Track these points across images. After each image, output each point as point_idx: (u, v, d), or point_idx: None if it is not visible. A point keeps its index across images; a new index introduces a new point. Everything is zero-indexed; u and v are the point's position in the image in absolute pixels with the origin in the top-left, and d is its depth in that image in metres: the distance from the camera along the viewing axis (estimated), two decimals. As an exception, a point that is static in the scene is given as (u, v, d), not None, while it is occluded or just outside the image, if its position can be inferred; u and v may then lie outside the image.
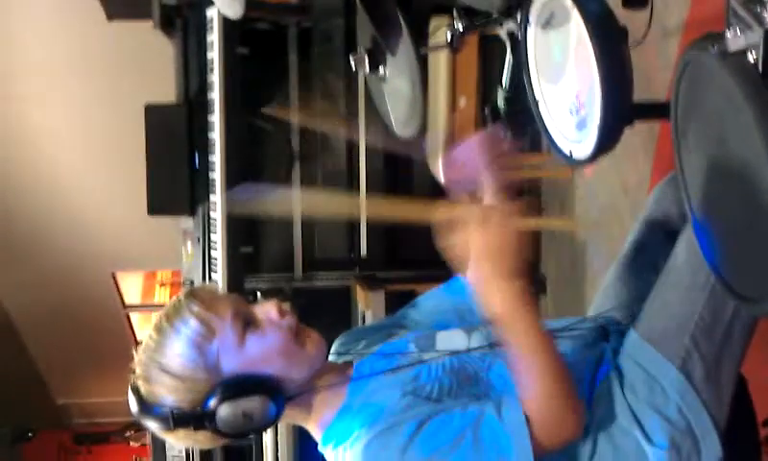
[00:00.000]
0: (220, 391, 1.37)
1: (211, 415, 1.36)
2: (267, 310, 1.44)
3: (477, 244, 1.37)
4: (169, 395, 1.37)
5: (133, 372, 1.42)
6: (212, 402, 1.36)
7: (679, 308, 1.49)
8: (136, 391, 1.41)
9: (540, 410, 1.31)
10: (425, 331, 1.61)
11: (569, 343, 1.55)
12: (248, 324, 1.41)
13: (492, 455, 1.30)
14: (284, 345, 1.41)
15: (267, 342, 1.41)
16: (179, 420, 1.37)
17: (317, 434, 1.46)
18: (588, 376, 1.51)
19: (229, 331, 1.39)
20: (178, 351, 1.37)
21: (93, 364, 7.31)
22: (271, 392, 1.39)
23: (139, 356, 1.42)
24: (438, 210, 1.40)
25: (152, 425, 1.41)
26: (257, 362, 1.39)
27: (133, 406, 1.41)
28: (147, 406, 1.39)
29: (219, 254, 4.17)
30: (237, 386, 1.37)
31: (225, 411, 1.36)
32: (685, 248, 1.52)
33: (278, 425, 3.67)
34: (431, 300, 1.77)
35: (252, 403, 1.37)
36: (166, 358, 1.38)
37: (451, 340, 1.55)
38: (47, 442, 8.19)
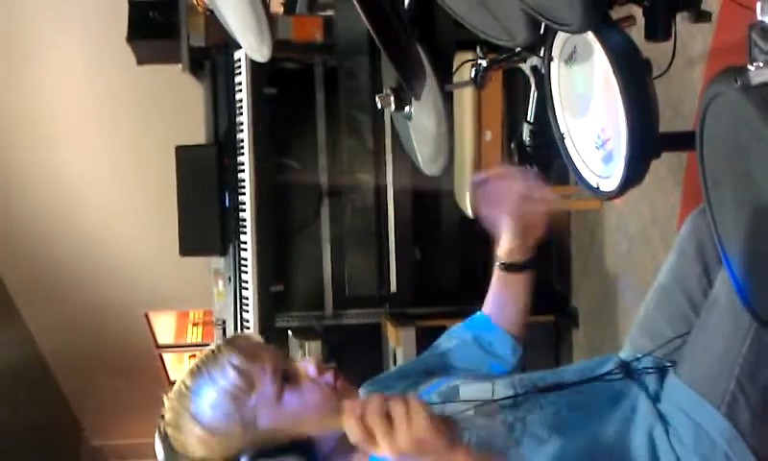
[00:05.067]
0: (254, 449, 1.32)
1: None
2: (306, 366, 1.41)
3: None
4: (199, 446, 1.33)
5: (162, 417, 1.38)
6: (244, 460, 1.32)
7: (722, 351, 1.44)
8: (165, 438, 1.36)
9: None
10: (450, 380, 1.58)
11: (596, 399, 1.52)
12: (286, 379, 1.37)
13: None
14: (321, 400, 1.37)
15: (304, 399, 1.37)
16: None
17: None
18: (629, 427, 1.48)
19: (269, 387, 1.35)
20: (212, 402, 1.33)
21: (127, 405, 7.32)
22: (305, 452, 1.34)
23: (170, 402, 1.37)
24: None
25: None
26: (294, 419, 1.35)
27: (160, 454, 1.37)
28: (175, 456, 1.34)
29: (250, 293, 4.20)
30: (272, 443, 1.33)
31: None
32: (725, 288, 1.46)
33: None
34: (455, 342, 1.76)
35: None
36: (199, 408, 1.33)
37: (475, 392, 1.52)
38: (83, 483, 8.22)
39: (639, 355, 1.66)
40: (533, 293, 1.77)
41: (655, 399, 1.53)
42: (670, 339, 1.64)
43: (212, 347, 1.40)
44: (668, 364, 1.58)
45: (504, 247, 1.75)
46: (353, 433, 1.16)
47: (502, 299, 1.77)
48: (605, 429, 1.43)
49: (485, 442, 1.41)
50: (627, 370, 1.60)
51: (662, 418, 1.48)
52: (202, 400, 1.34)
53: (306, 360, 1.42)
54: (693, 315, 1.63)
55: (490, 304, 1.78)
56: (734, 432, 1.40)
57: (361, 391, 1.63)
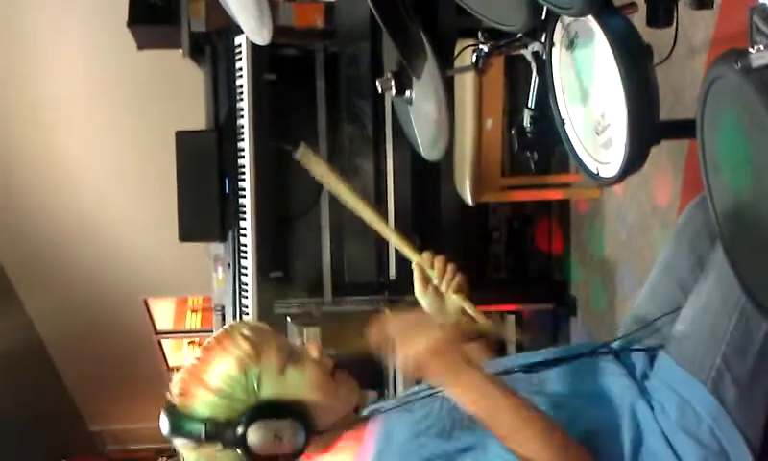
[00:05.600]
0: (255, 411, 1.40)
1: (243, 432, 1.39)
2: (309, 349, 1.50)
3: (411, 357, 1.39)
4: (205, 409, 1.41)
5: (170, 392, 1.45)
6: (246, 421, 1.39)
7: (710, 329, 1.48)
8: (171, 407, 1.43)
9: None
10: None
11: (588, 374, 1.56)
12: (290, 357, 1.47)
13: None
14: (320, 380, 1.47)
15: (305, 375, 1.46)
16: (211, 433, 1.39)
17: None
18: (612, 403, 1.50)
19: (274, 359, 1.44)
20: (222, 368, 1.42)
21: (126, 390, 7.36)
22: (302, 419, 1.42)
23: (181, 374, 1.46)
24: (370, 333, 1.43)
25: (180, 442, 1.43)
26: (294, 392, 1.44)
27: (165, 423, 1.43)
28: (180, 419, 1.41)
29: (249, 279, 4.19)
30: (272, 408, 1.41)
31: (257, 429, 1.39)
32: (716, 269, 1.51)
33: None
34: None
35: (284, 425, 1.40)
36: (208, 373, 1.42)
37: None
38: (81, 468, 8.24)
39: (626, 335, 1.68)
40: None
41: (643, 376, 1.55)
42: (656, 318, 1.66)
43: (225, 326, 1.50)
44: (656, 345, 1.60)
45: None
46: (374, 339, 1.39)
47: None
48: (587, 402, 1.46)
49: None
50: (613, 349, 1.62)
51: (646, 393, 1.50)
52: (211, 366, 1.43)
53: (309, 344, 1.52)
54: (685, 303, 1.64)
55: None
56: (720, 408, 1.43)
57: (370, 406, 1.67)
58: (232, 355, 1.43)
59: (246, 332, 1.46)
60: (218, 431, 1.39)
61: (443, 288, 1.73)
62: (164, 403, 1.44)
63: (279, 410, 1.41)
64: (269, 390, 1.42)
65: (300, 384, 1.45)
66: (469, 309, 1.71)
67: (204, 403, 1.41)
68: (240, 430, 1.39)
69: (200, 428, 1.39)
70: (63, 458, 7.79)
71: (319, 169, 1.82)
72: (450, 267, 1.73)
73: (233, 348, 1.43)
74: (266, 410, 1.41)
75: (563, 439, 1.34)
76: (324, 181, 1.84)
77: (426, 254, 1.74)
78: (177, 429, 1.41)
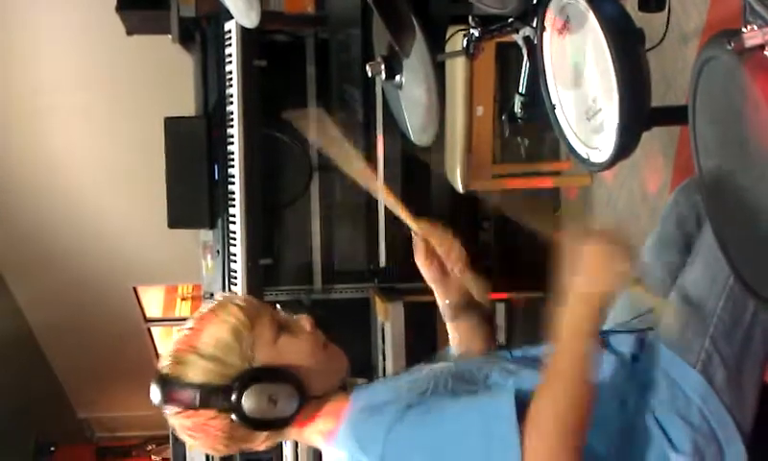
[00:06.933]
0: (250, 375, 1.41)
1: (238, 396, 1.39)
2: (301, 322, 1.52)
3: (587, 259, 1.43)
4: (199, 376, 1.41)
5: (161, 363, 1.45)
6: (240, 386, 1.40)
7: (698, 311, 1.49)
8: (163, 377, 1.42)
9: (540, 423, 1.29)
10: None
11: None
12: (283, 328, 1.48)
13: (478, 426, 1.30)
14: (313, 349, 1.48)
15: (298, 344, 1.47)
16: (205, 399, 1.39)
17: (320, 442, 1.50)
18: (602, 386, 1.50)
19: (267, 328, 1.46)
20: (216, 336, 1.43)
21: (115, 378, 7.34)
22: (296, 384, 1.43)
23: (174, 345, 1.46)
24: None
25: (172, 410, 1.43)
26: (287, 359, 1.45)
27: (156, 392, 1.42)
28: (173, 386, 1.41)
29: (239, 266, 4.17)
30: (266, 373, 1.42)
31: (251, 393, 1.40)
32: (704, 252, 1.52)
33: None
34: None
35: (278, 389, 1.41)
36: (202, 342, 1.42)
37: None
38: (69, 456, 8.21)
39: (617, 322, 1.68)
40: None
41: (633, 359, 1.56)
42: (646, 310, 1.66)
43: (218, 297, 1.52)
44: (645, 328, 1.60)
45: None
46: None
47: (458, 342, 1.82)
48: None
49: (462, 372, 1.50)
50: (603, 332, 1.62)
51: (636, 375, 1.50)
52: (204, 333, 1.44)
53: (301, 317, 1.53)
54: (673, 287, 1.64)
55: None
56: (709, 389, 1.44)
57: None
58: (226, 323, 1.43)
59: (239, 303, 1.47)
60: (212, 397, 1.39)
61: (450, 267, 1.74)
62: (155, 375, 1.44)
63: (274, 375, 1.42)
64: (263, 357, 1.43)
65: (292, 352, 1.46)
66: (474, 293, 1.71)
67: (197, 370, 1.41)
68: (235, 395, 1.39)
69: (193, 395, 1.39)
70: (52, 446, 7.77)
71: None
72: (456, 244, 1.72)
73: (227, 316, 1.44)
74: (260, 375, 1.41)
75: (585, 420, 1.30)
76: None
77: (425, 223, 1.71)
78: (169, 398, 1.41)
